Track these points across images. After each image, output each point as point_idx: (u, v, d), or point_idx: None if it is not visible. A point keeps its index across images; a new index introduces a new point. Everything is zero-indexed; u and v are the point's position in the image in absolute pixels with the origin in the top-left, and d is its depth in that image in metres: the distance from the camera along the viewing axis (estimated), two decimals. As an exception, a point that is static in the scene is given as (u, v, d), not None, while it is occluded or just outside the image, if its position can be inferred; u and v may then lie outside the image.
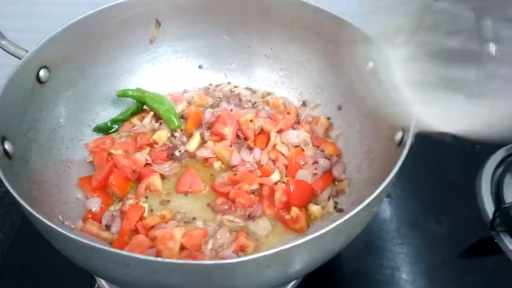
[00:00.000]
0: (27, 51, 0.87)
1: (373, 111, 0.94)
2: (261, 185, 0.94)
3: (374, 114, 0.94)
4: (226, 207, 0.91)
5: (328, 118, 1.05)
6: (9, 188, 0.64)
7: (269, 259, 0.56)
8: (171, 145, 1.00)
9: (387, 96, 0.87)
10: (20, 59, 0.86)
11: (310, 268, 0.67)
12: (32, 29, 0.96)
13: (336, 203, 0.91)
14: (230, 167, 0.98)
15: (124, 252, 0.56)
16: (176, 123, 1.02)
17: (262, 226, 0.89)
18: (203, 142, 1.01)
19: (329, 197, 0.92)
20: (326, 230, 0.58)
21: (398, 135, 0.80)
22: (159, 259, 0.55)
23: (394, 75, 0.82)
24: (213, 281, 0.59)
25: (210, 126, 1.03)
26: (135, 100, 1.05)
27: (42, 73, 0.89)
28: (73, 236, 0.58)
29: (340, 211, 0.90)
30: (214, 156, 0.99)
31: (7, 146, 0.77)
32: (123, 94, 1.05)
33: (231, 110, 1.05)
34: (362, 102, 0.98)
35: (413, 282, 0.94)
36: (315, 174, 0.95)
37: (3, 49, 0.87)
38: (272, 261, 0.57)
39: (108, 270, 0.62)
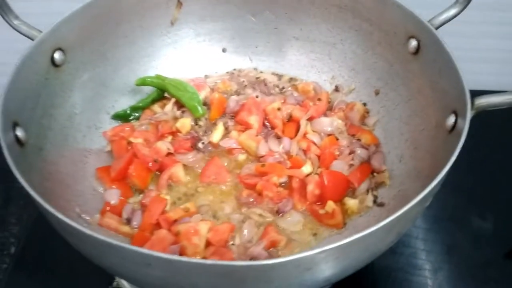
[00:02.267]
0: (41, 32, 0.81)
1: (416, 94, 0.86)
2: (290, 177, 0.86)
3: (417, 98, 0.85)
4: (252, 200, 0.84)
5: (364, 104, 0.97)
6: (18, 177, 0.58)
7: (311, 260, 0.49)
8: (195, 134, 0.93)
9: (434, 76, 0.79)
10: (33, 40, 0.80)
11: (352, 270, 0.60)
12: (47, 12, 0.90)
13: (375, 196, 0.84)
14: (256, 158, 0.91)
15: (145, 251, 0.49)
16: (201, 111, 0.95)
17: (292, 221, 0.82)
18: (226, 132, 0.94)
19: (367, 190, 0.84)
20: (375, 228, 0.50)
21: (450, 120, 0.72)
22: (185, 258, 0.48)
23: (444, 52, 0.74)
24: (246, 285, 0.52)
25: (234, 115, 0.96)
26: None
27: (57, 55, 0.84)
28: (88, 231, 0.51)
29: (380, 205, 0.82)
30: (239, 146, 0.92)
31: (19, 132, 0.71)
32: (142, 83, 0.98)
33: (257, 97, 0.98)
34: (402, 85, 0.90)
35: (453, 283, 0.86)
36: (351, 165, 0.87)
37: (15, 29, 0.82)
38: (314, 262, 0.50)
39: (127, 269, 0.55)
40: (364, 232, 0.51)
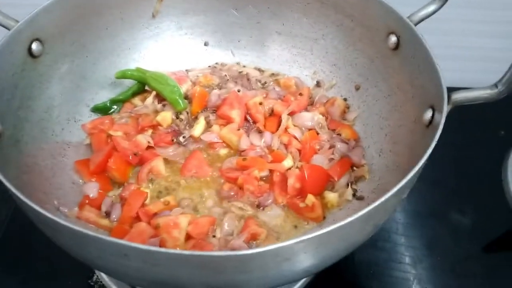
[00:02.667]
0: (18, 21, 0.79)
1: (395, 89, 0.87)
2: (271, 171, 0.87)
3: (397, 94, 0.87)
4: (233, 193, 0.84)
5: (345, 99, 0.98)
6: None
7: (290, 250, 0.49)
8: (176, 128, 0.93)
9: (413, 72, 0.80)
10: (9, 29, 0.78)
11: (331, 261, 0.60)
12: (25, 3, 0.88)
13: (355, 190, 0.84)
14: (238, 152, 0.91)
15: (121, 241, 0.49)
16: (182, 105, 0.95)
17: (273, 214, 0.82)
18: (208, 126, 0.94)
19: (347, 184, 0.85)
20: (353, 218, 0.51)
21: (427, 115, 0.73)
22: (162, 249, 0.48)
23: (423, 48, 0.75)
24: (224, 275, 0.52)
25: (216, 109, 0.95)
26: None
27: (34, 46, 0.82)
28: (64, 222, 0.50)
29: (360, 198, 0.83)
30: (220, 141, 0.91)
31: (-5, 124, 0.70)
32: (123, 75, 0.97)
33: (239, 91, 0.97)
34: (382, 80, 0.91)
35: (433, 277, 0.88)
36: (331, 159, 0.88)
37: (-9, 19, 0.80)
38: (292, 252, 0.50)
39: (105, 261, 0.55)
40: (342, 222, 0.52)
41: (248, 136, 0.92)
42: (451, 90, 0.69)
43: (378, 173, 0.84)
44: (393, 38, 0.85)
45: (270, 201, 0.83)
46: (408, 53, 0.82)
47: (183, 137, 0.92)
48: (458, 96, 0.68)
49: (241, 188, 0.84)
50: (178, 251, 0.48)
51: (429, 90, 0.75)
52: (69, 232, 0.52)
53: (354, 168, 0.88)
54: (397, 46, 0.85)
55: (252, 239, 0.77)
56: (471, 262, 0.90)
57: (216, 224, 0.79)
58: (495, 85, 0.68)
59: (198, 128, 0.93)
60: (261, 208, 0.83)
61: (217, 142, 0.92)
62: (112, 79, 0.99)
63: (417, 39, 0.78)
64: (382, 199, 0.54)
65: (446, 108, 0.65)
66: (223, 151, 0.91)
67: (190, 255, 0.48)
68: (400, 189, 0.55)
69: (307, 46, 1.02)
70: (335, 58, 0.99)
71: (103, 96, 0.97)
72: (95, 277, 0.85)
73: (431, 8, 0.81)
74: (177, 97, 0.95)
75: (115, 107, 0.97)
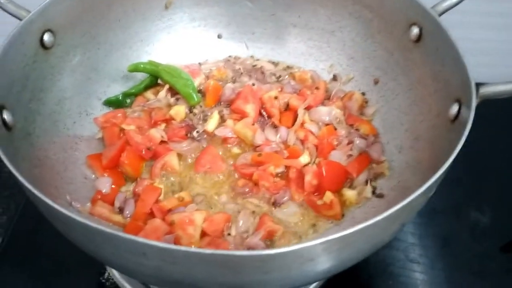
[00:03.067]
0: (30, 12, 0.77)
1: (416, 83, 0.84)
2: (287, 167, 0.84)
3: (417, 88, 0.84)
4: (247, 190, 0.82)
5: (363, 94, 0.95)
6: (5, 160, 0.55)
7: (314, 250, 0.47)
8: (190, 122, 0.91)
9: (435, 65, 0.77)
10: (21, 20, 0.76)
11: (354, 262, 0.58)
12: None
13: (374, 187, 0.82)
14: (252, 148, 0.88)
15: (140, 239, 0.47)
16: (196, 99, 0.92)
17: (289, 212, 0.80)
18: (222, 120, 0.92)
19: (366, 181, 0.82)
20: (380, 218, 0.48)
21: (453, 109, 0.70)
22: (182, 248, 0.46)
23: (448, 40, 0.72)
24: (242, 275, 0.50)
25: (229, 103, 0.93)
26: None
27: (46, 37, 0.81)
28: (80, 219, 0.49)
29: (379, 196, 0.80)
30: (235, 136, 0.89)
31: (6, 116, 0.68)
32: (135, 69, 0.95)
33: (253, 85, 0.95)
34: (402, 74, 0.88)
35: (449, 277, 0.85)
36: (349, 155, 0.85)
37: (2, 8, 0.78)
38: (316, 253, 0.48)
39: (121, 259, 0.53)
40: (367, 222, 0.49)
41: (263, 131, 0.89)
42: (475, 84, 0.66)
43: (398, 170, 0.82)
44: (415, 30, 0.82)
45: (286, 198, 0.81)
46: (431, 45, 0.79)
47: (197, 132, 0.89)
48: (486, 90, 0.65)
49: (256, 184, 0.82)
50: (198, 249, 0.45)
51: (454, 83, 0.72)
52: (84, 229, 0.50)
53: (373, 164, 0.85)
54: (419, 38, 0.82)
55: (268, 237, 0.75)
56: (487, 262, 0.88)
57: (231, 221, 0.77)
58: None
59: (212, 123, 0.90)
60: (277, 205, 0.80)
61: (231, 137, 0.89)
62: (124, 72, 0.97)
63: (441, 31, 0.75)
64: (409, 199, 0.51)
65: (474, 102, 0.63)
66: (236, 150, 0.88)
67: (210, 254, 0.46)
68: (427, 188, 0.53)
69: (324, 39, 1.00)
70: (352, 51, 0.97)
71: (115, 89, 0.96)
72: (106, 274, 0.83)
73: (456, -3, 0.78)
74: (191, 91, 0.93)
75: (127, 100, 0.95)
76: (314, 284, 0.80)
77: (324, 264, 0.53)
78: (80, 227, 0.51)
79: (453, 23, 0.77)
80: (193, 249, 0.45)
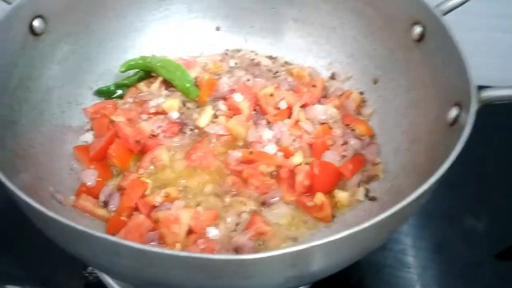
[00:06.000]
0: (19, -4, 0.75)
1: (416, 84, 0.82)
2: (278, 166, 0.82)
3: (417, 89, 0.81)
4: (236, 187, 0.80)
5: (361, 93, 0.93)
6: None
7: (298, 255, 0.44)
8: (184, 118, 0.88)
9: (437, 66, 0.74)
10: (10, 3, 0.74)
11: (341, 267, 0.56)
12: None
13: (367, 190, 0.80)
14: (244, 145, 0.86)
15: (113, 238, 0.45)
16: (194, 93, 0.90)
17: (279, 213, 0.77)
18: (214, 116, 0.89)
19: (359, 183, 0.80)
20: (370, 224, 0.46)
21: (452, 113, 0.67)
22: (156, 249, 0.44)
23: (451, 41, 0.69)
24: (222, 280, 0.48)
25: (223, 99, 0.91)
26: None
27: (36, 23, 0.79)
28: (52, 214, 0.47)
29: (372, 199, 0.78)
30: (227, 133, 0.87)
31: (-12, 103, 0.66)
32: (128, 68, 0.92)
33: (248, 80, 0.92)
34: (402, 74, 0.86)
35: (441, 282, 0.84)
36: (343, 156, 0.83)
37: (-10, -8, 0.76)
38: (300, 258, 0.45)
39: (96, 258, 0.51)
40: (356, 228, 0.47)
41: (257, 128, 0.87)
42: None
43: (393, 173, 0.80)
44: (417, 29, 0.80)
45: (276, 198, 0.79)
46: (433, 45, 0.77)
47: (190, 129, 0.87)
48: (487, 94, 0.63)
49: (245, 182, 0.80)
50: (173, 252, 0.43)
51: (454, 86, 0.69)
52: (58, 226, 0.48)
53: (368, 166, 0.83)
54: (421, 37, 0.80)
55: (258, 237, 0.73)
56: (481, 268, 0.86)
57: (219, 219, 0.75)
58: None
59: (204, 118, 0.88)
60: (267, 205, 0.78)
61: (223, 135, 0.87)
62: (117, 62, 0.94)
63: (445, 31, 0.72)
64: (401, 204, 0.49)
65: (474, 107, 0.60)
66: (227, 147, 0.86)
67: (186, 257, 0.43)
68: (421, 194, 0.50)
69: (324, 35, 0.97)
70: (352, 48, 0.94)
71: (108, 80, 0.94)
72: (89, 268, 0.81)
73: (460, -3, 0.75)
74: (188, 85, 0.91)
75: (119, 91, 0.93)
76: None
77: (310, 269, 0.51)
78: (55, 224, 0.49)
79: (456, 23, 0.74)
80: (167, 251, 0.43)
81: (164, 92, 0.92)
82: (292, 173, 0.80)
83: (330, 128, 0.87)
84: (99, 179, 0.78)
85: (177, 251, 0.43)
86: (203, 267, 0.46)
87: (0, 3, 0.75)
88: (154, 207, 0.75)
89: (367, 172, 0.82)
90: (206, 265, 0.45)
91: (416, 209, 0.58)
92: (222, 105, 0.90)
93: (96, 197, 0.77)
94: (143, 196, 0.76)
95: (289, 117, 0.89)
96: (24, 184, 0.53)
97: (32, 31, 0.78)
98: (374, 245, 0.56)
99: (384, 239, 0.58)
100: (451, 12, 0.77)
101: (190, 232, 0.72)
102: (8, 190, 0.52)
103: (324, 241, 0.44)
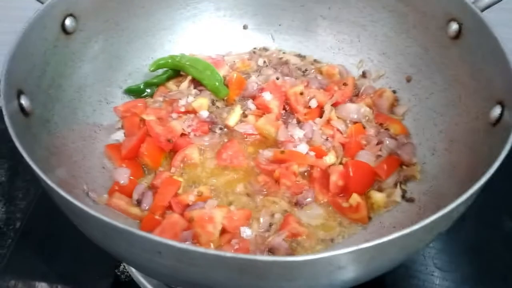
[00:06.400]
0: (52, -5, 0.75)
1: (452, 82, 0.79)
2: (311, 166, 0.80)
3: (454, 87, 0.79)
4: (268, 187, 0.78)
5: (394, 92, 0.91)
6: (19, 147, 0.53)
7: (347, 258, 0.43)
8: (214, 117, 0.87)
9: (476, 64, 0.72)
10: (43, 3, 0.74)
11: (385, 270, 0.54)
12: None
13: (404, 191, 0.77)
14: (275, 145, 0.84)
15: (156, 237, 0.44)
16: (224, 92, 0.90)
17: (312, 214, 0.76)
18: (244, 115, 0.88)
19: (395, 184, 0.78)
20: (418, 227, 0.44)
21: (495, 112, 0.65)
22: (201, 249, 0.43)
23: (491, 37, 0.67)
24: (264, 281, 0.46)
25: (252, 98, 0.90)
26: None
27: (68, 22, 0.78)
28: (93, 212, 0.46)
29: (410, 200, 0.76)
30: (256, 132, 0.85)
31: (24, 101, 0.66)
32: (157, 67, 0.92)
33: (277, 79, 0.91)
34: (438, 72, 0.84)
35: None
36: (378, 156, 0.81)
37: (25, -9, 0.76)
38: (347, 261, 0.44)
39: (135, 256, 0.50)
40: (403, 231, 0.45)
41: (287, 127, 0.85)
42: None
43: (431, 173, 0.77)
44: (453, 26, 0.78)
45: (309, 199, 0.77)
46: (471, 42, 0.75)
47: (220, 128, 0.86)
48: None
49: (277, 181, 0.79)
50: (217, 252, 0.42)
51: (496, 84, 0.67)
52: (97, 223, 0.48)
53: (404, 167, 0.81)
54: (458, 34, 0.77)
55: (292, 238, 0.71)
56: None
57: (251, 219, 0.74)
58: None
59: (234, 118, 0.87)
60: (300, 206, 0.76)
61: (252, 134, 0.86)
62: (145, 60, 0.94)
63: (484, 27, 0.70)
64: (450, 207, 0.47)
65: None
66: (258, 146, 0.84)
67: (231, 258, 0.42)
68: (469, 196, 0.48)
69: (354, 33, 0.95)
70: (384, 46, 0.92)
71: (137, 78, 0.93)
72: (122, 266, 0.81)
73: (501, -7, 0.73)
74: (217, 84, 0.90)
75: (148, 90, 0.93)
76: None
77: (353, 273, 0.49)
78: (92, 220, 0.48)
79: (494, 20, 0.71)
80: (211, 251, 0.42)
81: (194, 91, 0.91)
82: (325, 173, 0.79)
83: (364, 127, 0.85)
84: (131, 177, 0.78)
85: (222, 252, 0.42)
86: (247, 268, 0.44)
87: (33, 3, 0.75)
88: (187, 206, 0.74)
89: (404, 172, 0.79)
90: (251, 266, 0.44)
91: (463, 211, 0.56)
92: (251, 104, 0.89)
93: (128, 195, 0.76)
94: (176, 195, 0.75)
95: (319, 116, 0.87)
96: (60, 181, 0.52)
97: (64, 29, 0.78)
98: (420, 247, 0.54)
99: (429, 241, 0.56)
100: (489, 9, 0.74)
101: (223, 231, 0.71)
102: (49, 188, 0.51)
103: (375, 243, 0.42)
